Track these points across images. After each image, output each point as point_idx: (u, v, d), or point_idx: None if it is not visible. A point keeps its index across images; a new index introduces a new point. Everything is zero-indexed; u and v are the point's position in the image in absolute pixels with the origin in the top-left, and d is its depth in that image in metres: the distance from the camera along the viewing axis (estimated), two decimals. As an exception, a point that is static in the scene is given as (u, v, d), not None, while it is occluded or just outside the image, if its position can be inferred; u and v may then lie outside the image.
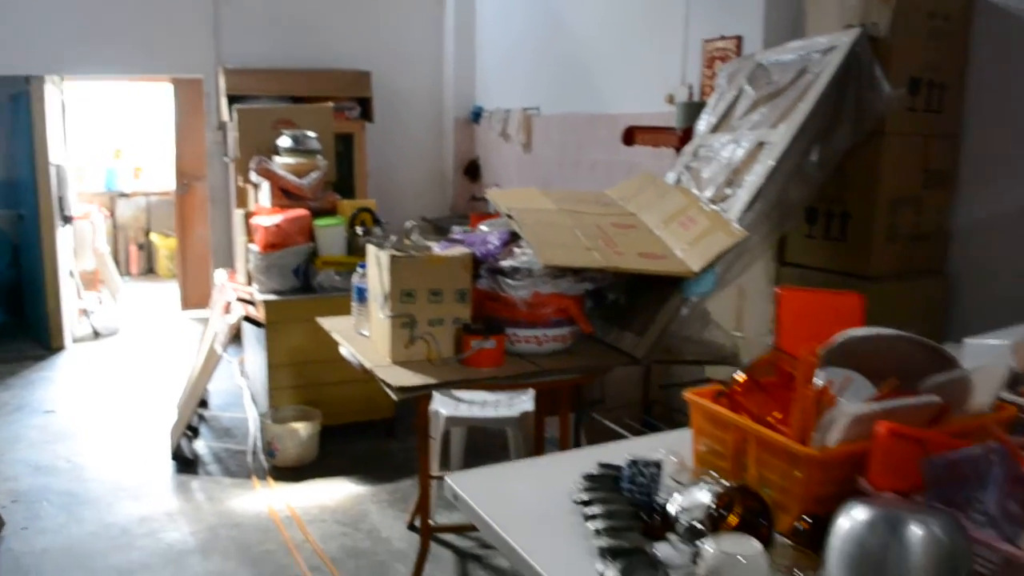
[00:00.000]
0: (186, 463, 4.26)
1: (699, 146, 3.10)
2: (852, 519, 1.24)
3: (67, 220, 7.01)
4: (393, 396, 2.49)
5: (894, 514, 1.23)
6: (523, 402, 3.72)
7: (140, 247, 10.35)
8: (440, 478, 3.40)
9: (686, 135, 3.35)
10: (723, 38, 3.58)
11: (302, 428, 4.12)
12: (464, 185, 6.81)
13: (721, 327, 2.87)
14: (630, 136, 4.04)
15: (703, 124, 3.15)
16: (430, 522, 3.16)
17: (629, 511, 1.50)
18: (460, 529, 3.36)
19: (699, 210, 2.75)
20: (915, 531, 1.21)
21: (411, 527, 3.52)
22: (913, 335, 1.57)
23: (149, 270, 10.32)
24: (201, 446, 4.48)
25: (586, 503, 1.53)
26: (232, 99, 6.04)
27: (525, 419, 3.60)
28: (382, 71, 6.54)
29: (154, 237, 10.18)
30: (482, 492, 1.67)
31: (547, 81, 5.47)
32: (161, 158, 9.98)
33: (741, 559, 1.26)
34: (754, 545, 1.28)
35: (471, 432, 3.85)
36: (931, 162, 2.97)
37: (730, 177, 2.79)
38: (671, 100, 3.91)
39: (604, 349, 2.79)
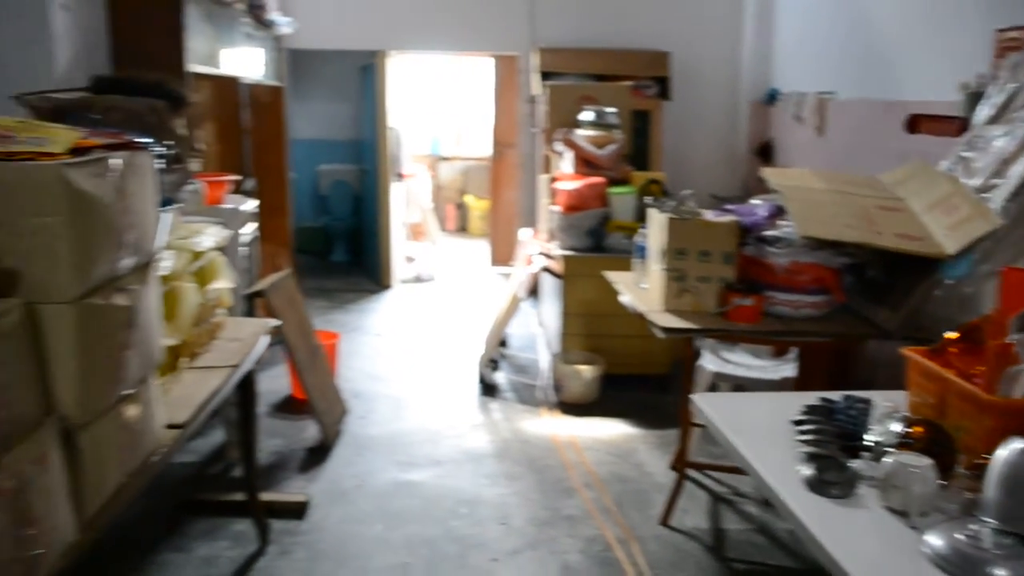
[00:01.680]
0: (488, 388, 5.04)
1: (974, 136, 3.21)
2: (1008, 448, 1.54)
3: (400, 177, 8.14)
4: (660, 335, 2.96)
5: (1044, 446, 1.51)
6: (786, 369, 4.02)
7: (456, 206, 11.53)
8: (701, 426, 3.83)
9: (967, 125, 3.44)
10: (1017, 28, 3.57)
11: (587, 371, 4.71)
12: (756, 165, 6.96)
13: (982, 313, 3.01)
14: (913, 124, 4.13)
15: (980, 114, 3.25)
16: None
17: (835, 433, 1.86)
18: (713, 468, 3.75)
19: (963, 197, 2.91)
20: (1061, 461, 1.48)
21: (673, 467, 3.96)
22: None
23: (462, 228, 11.47)
24: (501, 377, 5.25)
25: (800, 423, 1.92)
26: (543, 75, 6.72)
27: (785, 384, 3.89)
28: (681, 51, 6.89)
29: (469, 198, 11.31)
30: (720, 409, 2.10)
31: (844, 65, 5.55)
32: (478, 127, 11.06)
33: (913, 468, 1.60)
34: (926, 460, 1.62)
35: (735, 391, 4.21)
36: None
37: (998, 167, 2.91)
38: (964, 89, 3.95)
39: (857, 321, 3.06)
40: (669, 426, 4.43)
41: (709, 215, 3.20)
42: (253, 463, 3.23)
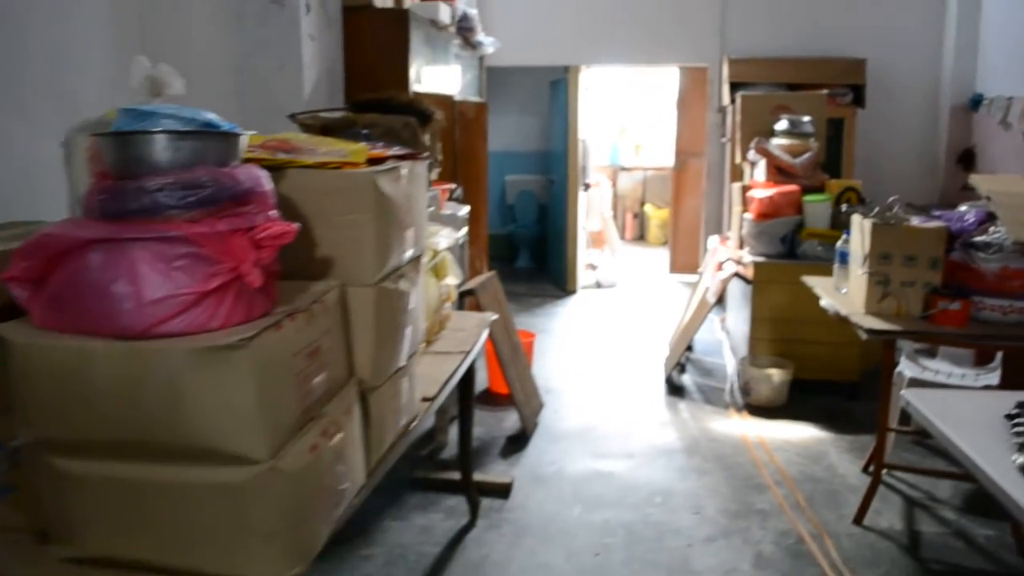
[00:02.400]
0: (675, 389, 5.20)
1: None
2: None
3: (586, 187, 8.41)
4: (863, 336, 3.05)
5: None
6: (988, 379, 3.94)
7: (635, 216, 11.70)
8: (897, 431, 3.84)
9: None
10: None
11: (776, 374, 4.78)
12: (955, 174, 6.74)
13: None
14: None
15: None
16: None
17: (1048, 425, 1.93)
18: (911, 470, 3.76)
19: None
20: None
21: (865, 471, 3.98)
22: None
23: (640, 237, 11.63)
24: (687, 379, 5.39)
25: (1013, 416, 1.99)
26: (733, 86, 6.80)
27: (988, 393, 3.84)
28: (877, 58, 6.78)
29: (648, 208, 11.45)
30: (931, 404, 2.19)
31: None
32: (659, 137, 11.19)
33: None
34: None
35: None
36: None
37: None
38: None
39: (1072, 327, 3.02)
40: (859, 432, 4.43)
41: (915, 221, 3.24)
42: (469, 445, 3.55)
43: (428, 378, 2.56)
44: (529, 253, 9.67)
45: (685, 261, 8.63)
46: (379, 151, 2.01)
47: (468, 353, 2.90)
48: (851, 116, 6.51)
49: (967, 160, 6.67)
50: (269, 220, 1.49)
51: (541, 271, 9.29)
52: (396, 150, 2.15)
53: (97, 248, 1.39)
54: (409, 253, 2.01)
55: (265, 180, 1.53)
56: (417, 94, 3.38)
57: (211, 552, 1.46)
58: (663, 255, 9.49)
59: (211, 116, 1.52)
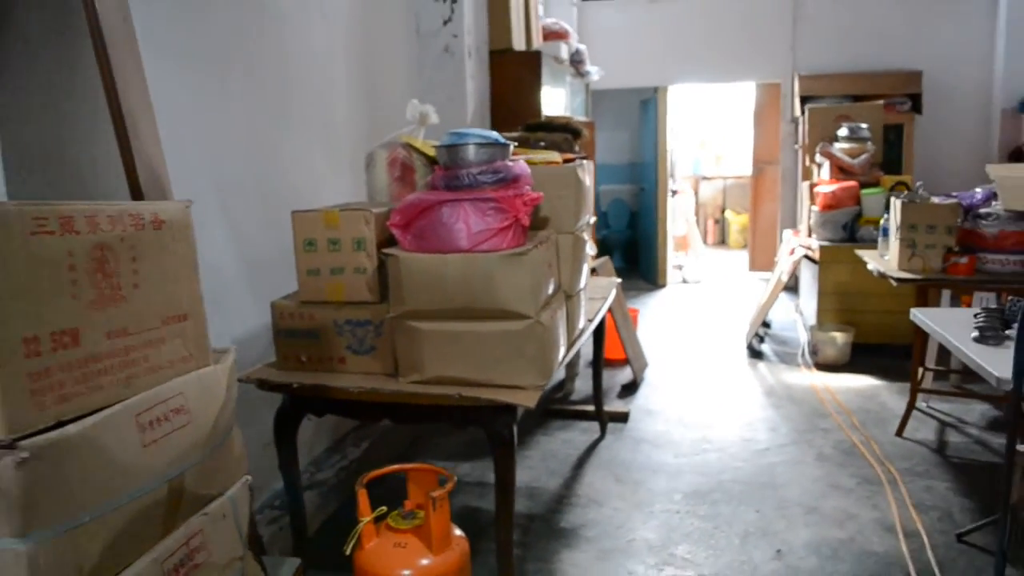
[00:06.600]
0: (755, 353, 6.30)
1: None
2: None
3: (673, 193, 9.54)
4: (894, 284, 4.14)
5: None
6: (1012, 331, 4.96)
7: (716, 222, 12.74)
8: (934, 370, 4.88)
9: None
10: None
11: (840, 337, 5.83)
12: (1006, 171, 7.60)
13: None
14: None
15: None
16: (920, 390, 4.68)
17: (997, 317, 3.02)
18: (940, 392, 4.78)
19: None
20: None
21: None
22: None
23: (721, 241, 12.66)
24: (765, 347, 6.48)
25: (977, 314, 3.08)
26: (803, 99, 7.85)
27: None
28: (933, 69, 7.75)
29: (728, 214, 12.48)
30: (928, 314, 3.29)
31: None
32: (736, 148, 12.23)
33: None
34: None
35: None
36: None
37: None
38: None
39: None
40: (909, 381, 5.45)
41: (935, 199, 4.32)
42: (600, 378, 4.74)
43: (584, 310, 3.75)
44: (621, 254, 10.80)
45: (764, 260, 9.63)
46: (566, 155, 3.23)
47: (606, 299, 4.10)
48: (909, 121, 7.47)
49: (1017, 157, 7.53)
50: (529, 191, 2.71)
51: (632, 270, 10.42)
52: (570, 155, 3.37)
53: (446, 205, 2.63)
54: (585, 218, 3.23)
55: (526, 169, 2.76)
56: (568, 118, 4.59)
57: (500, 371, 2.67)
58: (743, 257, 10.52)
59: (495, 135, 2.75)
